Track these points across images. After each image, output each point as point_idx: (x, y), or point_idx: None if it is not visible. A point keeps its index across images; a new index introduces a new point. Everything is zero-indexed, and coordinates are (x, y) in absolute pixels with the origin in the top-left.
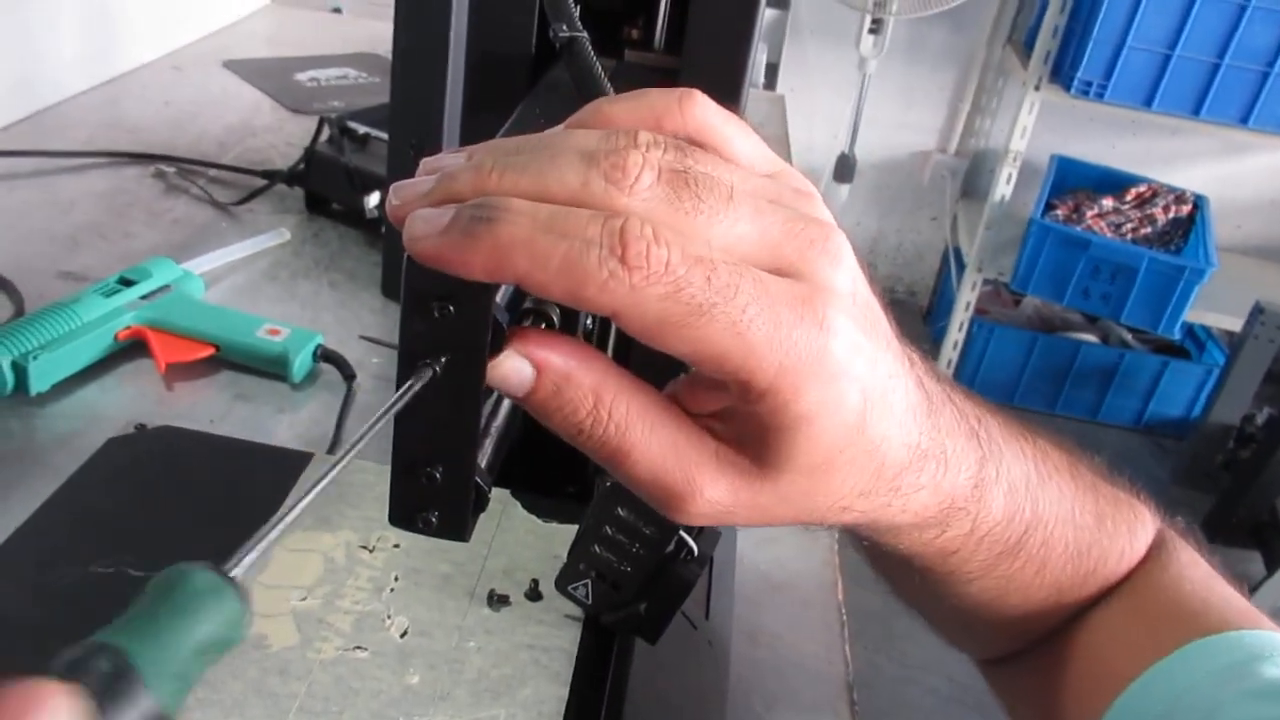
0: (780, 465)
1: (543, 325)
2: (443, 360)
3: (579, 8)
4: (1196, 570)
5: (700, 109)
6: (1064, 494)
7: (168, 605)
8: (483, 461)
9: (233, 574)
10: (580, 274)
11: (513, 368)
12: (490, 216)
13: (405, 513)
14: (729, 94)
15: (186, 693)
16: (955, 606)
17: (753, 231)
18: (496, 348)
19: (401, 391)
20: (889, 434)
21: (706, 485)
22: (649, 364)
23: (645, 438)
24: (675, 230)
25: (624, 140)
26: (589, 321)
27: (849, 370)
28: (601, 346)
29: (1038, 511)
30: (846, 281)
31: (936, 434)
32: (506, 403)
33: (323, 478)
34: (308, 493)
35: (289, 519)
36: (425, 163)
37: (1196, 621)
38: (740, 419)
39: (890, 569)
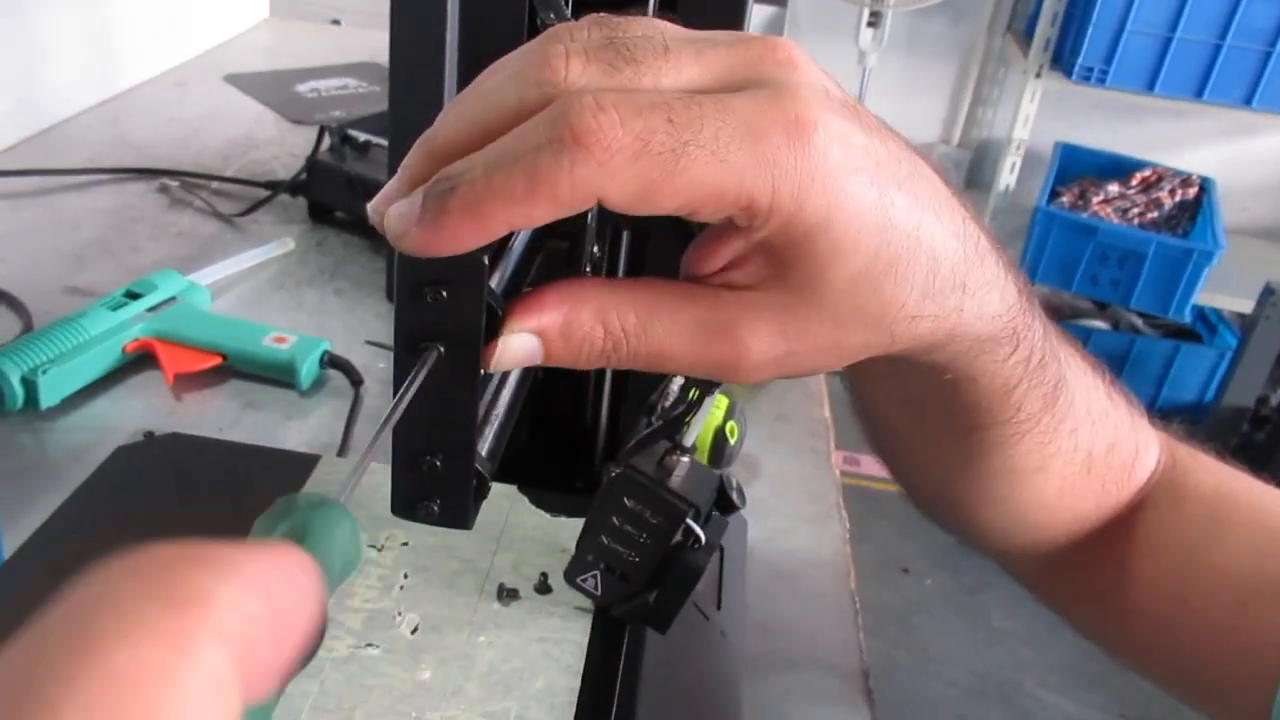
0: (814, 283)
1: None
2: (440, 346)
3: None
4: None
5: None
6: (1073, 357)
7: (316, 526)
8: (484, 449)
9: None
10: (547, 181)
11: (518, 345)
12: (449, 187)
13: (407, 502)
14: None
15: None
16: (1004, 485)
17: (699, 71)
18: (492, 332)
19: (414, 373)
20: (922, 221)
21: (749, 338)
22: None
23: (668, 329)
24: (619, 92)
25: (541, 42)
26: (595, 249)
27: (843, 162)
28: (613, 269)
29: (1061, 366)
30: (810, 78)
31: (984, 233)
32: (507, 390)
33: (379, 431)
34: (379, 432)
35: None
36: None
37: None
38: (761, 256)
39: (932, 434)
